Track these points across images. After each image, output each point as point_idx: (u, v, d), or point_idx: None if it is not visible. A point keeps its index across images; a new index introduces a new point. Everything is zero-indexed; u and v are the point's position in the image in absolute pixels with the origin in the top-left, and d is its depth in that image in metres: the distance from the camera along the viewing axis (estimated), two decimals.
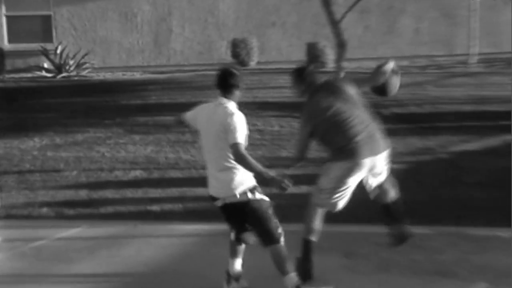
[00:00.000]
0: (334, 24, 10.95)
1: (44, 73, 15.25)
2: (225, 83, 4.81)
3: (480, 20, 14.36)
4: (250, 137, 9.30)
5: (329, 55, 14.26)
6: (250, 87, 12.80)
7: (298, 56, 15.24)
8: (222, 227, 5.41)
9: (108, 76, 15.19)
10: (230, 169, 4.72)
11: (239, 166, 4.68)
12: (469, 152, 9.03)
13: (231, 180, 4.73)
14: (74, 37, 16.75)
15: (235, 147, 4.61)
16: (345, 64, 10.87)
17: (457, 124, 10.14)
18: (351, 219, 6.38)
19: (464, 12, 15.54)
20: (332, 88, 5.22)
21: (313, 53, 14.62)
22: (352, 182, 5.07)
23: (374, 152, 5.04)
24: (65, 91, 13.23)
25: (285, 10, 16.42)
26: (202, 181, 8.96)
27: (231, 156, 4.66)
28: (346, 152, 5.00)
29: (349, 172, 5.02)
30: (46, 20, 16.84)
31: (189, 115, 5.07)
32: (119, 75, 15.27)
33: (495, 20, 15.45)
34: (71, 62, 15.36)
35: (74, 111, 11.68)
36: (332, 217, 5.43)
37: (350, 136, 5.01)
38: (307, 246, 5.18)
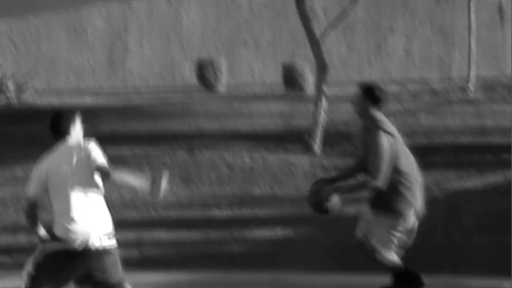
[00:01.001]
0: (314, 43, 11.10)
1: None
2: (62, 127, 5.14)
3: (478, 40, 14.69)
4: (217, 173, 9.25)
5: (308, 78, 14.42)
6: (217, 115, 12.89)
7: (273, 78, 15.39)
8: (185, 276, 5.42)
9: (53, 100, 15.15)
10: (97, 210, 5.07)
11: (104, 207, 5.10)
12: (467, 190, 9.15)
13: (98, 221, 5.06)
14: (13, 55, 16.72)
15: (103, 167, 4.96)
16: (326, 88, 11.01)
17: (453, 158, 10.27)
18: (337, 267, 6.42)
19: (461, 30, 15.88)
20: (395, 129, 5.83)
21: (290, 76, 14.78)
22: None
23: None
24: (1, 117, 13.20)
25: (258, 27, 16.60)
26: (162, 223, 9.00)
27: (97, 194, 5.05)
28: (405, 199, 5.60)
29: (408, 219, 5.64)
30: None
31: (35, 181, 5.15)
32: (66, 100, 15.24)
33: (494, 40, 15.83)
34: (9, 83, 15.32)
35: (12, 141, 11.61)
36: (317, 265, 5.48)
37: (410, 182, 5.66)
38: (402, 273, 5.66)
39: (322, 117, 10.92)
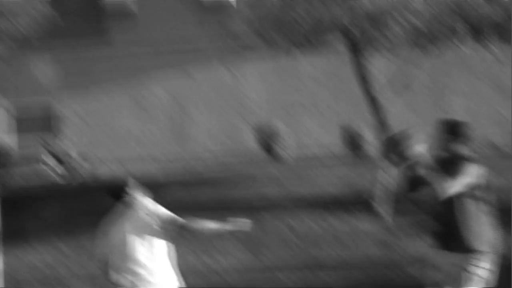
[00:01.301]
0: (373, 104, 11.09)
1: (47, 168, 15.56)
2: (121, 194, 5.45)
3: None
4: (282, 238, 9.12)
5: (369, 139, 14.36)
6: (278, 178, 12.89)
7: (332, 140, 15.37)
8: None
9: (118, 170, 15.42)
10: (164, 265, 5.27)
11: (170, 262, 5.31)
12: None
13: (167, 276, 5.25)
14: (80, 128, 17.20)
15: (175, 220, 5.22)
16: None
17: None
18: None
19: None
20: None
21: (350, 138, 14.74)
22: None
23: None
24: (68, 190, 13.47)
25: (316, 90, 16.71)
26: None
27: (162, 249, 5.25)
28: (485, 235, 5.23)
29: (489, 258, 5.28)
30: (50, 109, 17.42)
31: (103, 242, 5.43)
32: (131, 168, 15.49)
33: None
34: (76, 155, 15.70)
35: (80, 215, 11.79)
36: None
37: (490, 216, 5.32)
38: None
39: (386, 180, 10.81)
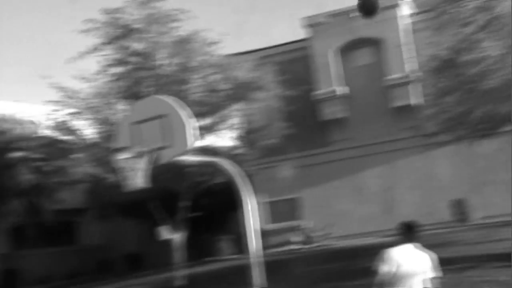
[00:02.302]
0: None
1: (294, 246, 17.28)
2: (415, 232, 5.72)
3: None
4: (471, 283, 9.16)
5: None
6: (471, 242, 13.24)
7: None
8: None
9: (346, 243, 16.58)
10: None
11: None
12: None
13: None
14: (316, 213, 18.79)
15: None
16: None
17: None
18: None
19: None
20: None
21: None
22: None
23: None
24: (312, 259, 14.66)
25: (496, 169, 17.09)
26: None
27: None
28: None
29: None
30: (295, 202, 19.32)
31: (388, 262, 5.53)
32: (355, 242, 16.56)
33: None
34: (315, 234, 17.44)
35: (320, 278, 12.60)
36: None
37: None
38: None
39: None
